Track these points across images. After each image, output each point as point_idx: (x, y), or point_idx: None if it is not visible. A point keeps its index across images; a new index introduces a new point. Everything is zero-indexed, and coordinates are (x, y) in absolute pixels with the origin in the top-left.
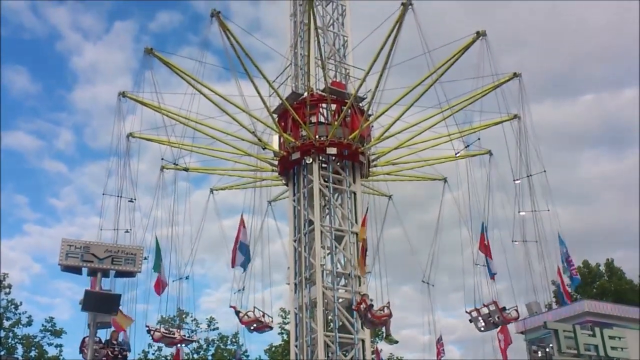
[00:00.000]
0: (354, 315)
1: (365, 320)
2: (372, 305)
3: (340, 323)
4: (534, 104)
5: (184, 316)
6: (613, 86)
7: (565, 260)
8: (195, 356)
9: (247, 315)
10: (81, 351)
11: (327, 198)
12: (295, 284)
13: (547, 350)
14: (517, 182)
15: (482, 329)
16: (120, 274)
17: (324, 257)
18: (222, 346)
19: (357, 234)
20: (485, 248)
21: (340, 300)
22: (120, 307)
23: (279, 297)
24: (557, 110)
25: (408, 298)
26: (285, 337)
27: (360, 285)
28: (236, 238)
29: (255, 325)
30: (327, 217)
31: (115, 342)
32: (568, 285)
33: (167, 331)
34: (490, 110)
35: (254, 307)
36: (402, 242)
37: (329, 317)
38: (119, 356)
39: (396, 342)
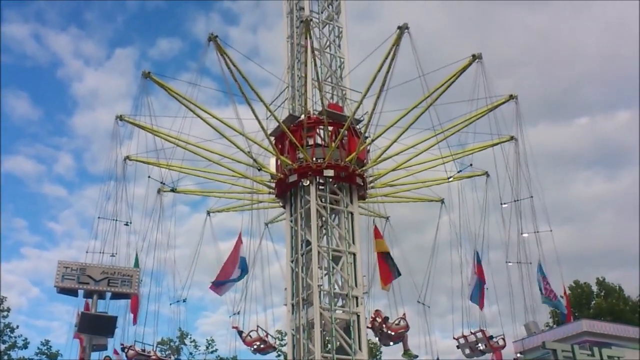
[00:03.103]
0: (351, 336)
1: (382, 335)
2: (387, 318)
3: (338, 344)
4: (529, 127)
5: (184, 338)
6: (607, 109)
7: (543, 287)
8: None
9: (250, 336)
10: None
11: (324, 218)
12: (293, 305)
13: None
14: (504, 205)
15: (469, 356)
16: (116, 296)
17: (321, 278)
18: None
19: (354, 254)
20: (481, 276)
21: (337, 321)
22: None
23: (277, 319)
24: (552, 132)
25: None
26: (282, 359)
27: (357, 306)
28: (226, 262)
29: (258, 345)
30: (325, 237)
31: None
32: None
33: (142, 350)
34: (485, 132)
35: (257, 327)
36: (399, 263)
37: (327, 338)
38: None
39: (415, 356)
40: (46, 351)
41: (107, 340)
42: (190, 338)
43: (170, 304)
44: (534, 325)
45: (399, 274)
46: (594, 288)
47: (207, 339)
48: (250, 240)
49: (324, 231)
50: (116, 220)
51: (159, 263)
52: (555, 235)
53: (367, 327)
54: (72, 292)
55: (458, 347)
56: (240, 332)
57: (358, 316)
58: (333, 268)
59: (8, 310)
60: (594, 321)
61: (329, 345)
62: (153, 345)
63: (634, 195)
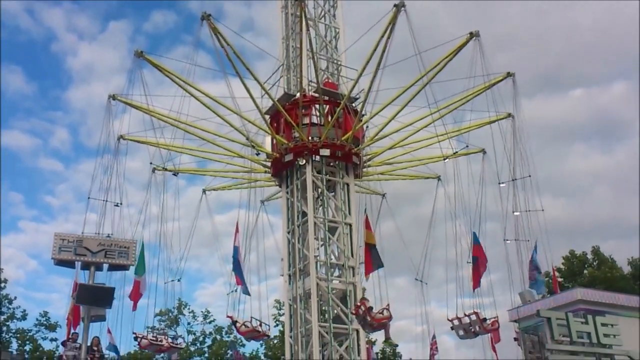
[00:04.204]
0: (348, 305)
1: (365, 323)
2: (371, 308)
3: (335, 314)
4: (525, 100)
5: (182, 308)
6: (602, 81)
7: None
8: (193, 348)
9: (245, 325)
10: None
11: (320, 190)
12: (290, 276)
13: (540, 338)
14: (502, 185)
15: (462, 337)
16: (113, 267)
17: (318, 249)
18: (218, 337)
19: (350, 225)
20: (479, 255)
21: (334, 291)
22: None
23: (274, 290)
24: (548, 105)
25: (402, 290)
26: (280, 328)
27: (354, 276)
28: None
29: (252, 334)
30: (321, 208)
31: (95, 348)
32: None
33: (154, 338)
34: (482, 109)
35: (251, 317)
36: (396, 235)
37: (323, 308)
38: None
39: (396, 345)
40: (45, 322)
41: (105, 311)
42: (189, 309)
43: (165, 283)
44: (528, 294)
45: (381, 266)
46: (590, 257)
47: (202, 311)
48: (247, 216)
49: (320, 202)
50: (106, 201)
51: (157, 236)
52: (551, 208)
53: (352, 314)
54: (69, 264)
55: (452, 328)
56: (234, 322)
57: (355, 286)
58: (329, 239)
59: (5, 281)
60: (589, 289)
61: (326, 315)
62: (165, 333)
63: (629, 167)
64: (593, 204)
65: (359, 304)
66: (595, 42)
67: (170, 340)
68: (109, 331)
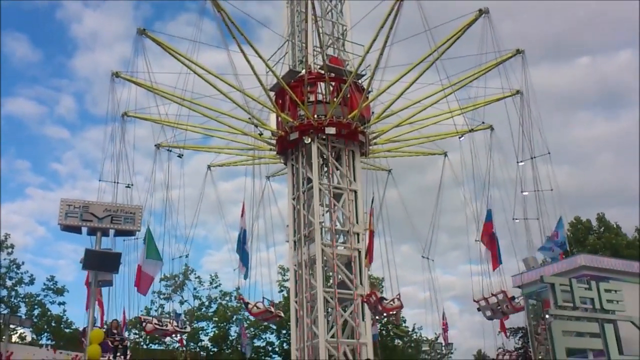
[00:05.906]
0: (352, 271)
1: (376, 311)
2: (382, 299)
3: (340, 279)
4: (531, 68)
5: (187, 274)
6: (609, 49)
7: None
8: (199, 313)
9: (257, 307)
10: (82, 341)
11: (325, 156)
12: (295, 242)
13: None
14: (521, 164)
15: (490, 317)
16: (119, 233)
17: (323, 215)
18: (223, 303)
19: (355, 191)
20: (488, 240)
21: (339, 257)
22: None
23: (280, 256)
24: (553, 73)
25: (408, 257)
26: (285, 294)
27: (359, 242)
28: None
29: (264, 316)
30: (326, 175)
31: (115, 331)
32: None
33: (159, 322)
34: (491, 85)
35: (263, 298)
36: (398, 206)
37: (328, 274)
38: (119, 346)
39: (406, 333)
40: (52, 287)
41: (112, 276)
42: (195, 274)
43: (172, 259)
44: (533, 260)
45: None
46: (594, 224)
47: (215, 273)
48: (253, 189)
49: (325, 169)
50: (117, 182)
51: (164, 207)
52: (555, 174)
53: (363, 301)
54: (76, 230)
55: (479, 309)
56: (246, 304)
57: (359, 252)
58: (334, 205)
59: (12, 247)
60: (592, 256)
61: (331, 281)
62: (170, 317)
63: (634, 135)
64: (597, 171)
65: (369, 293)
66: (602, 11)
67: (175, 324)
68: (123, 313)
